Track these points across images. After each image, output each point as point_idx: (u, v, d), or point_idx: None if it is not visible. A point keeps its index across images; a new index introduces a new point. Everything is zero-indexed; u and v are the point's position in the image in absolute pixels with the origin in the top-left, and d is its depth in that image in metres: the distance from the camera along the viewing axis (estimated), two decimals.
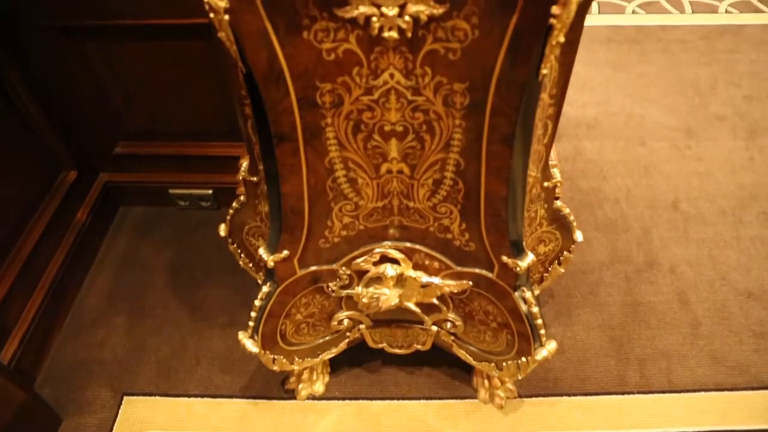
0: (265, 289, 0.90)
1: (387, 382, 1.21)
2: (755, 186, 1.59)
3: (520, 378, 0.98)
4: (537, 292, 1.12)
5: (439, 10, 0.54)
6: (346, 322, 1.00)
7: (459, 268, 0.85)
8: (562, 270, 1.11)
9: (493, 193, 0.72)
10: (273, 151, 0.69)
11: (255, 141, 0.77)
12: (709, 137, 1.74)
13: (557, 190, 0.95)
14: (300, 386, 1.17)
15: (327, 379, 1.21)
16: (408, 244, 0.84)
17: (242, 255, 1.10)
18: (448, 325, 0.98)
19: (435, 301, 0.91)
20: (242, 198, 0.99)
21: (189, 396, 1.20)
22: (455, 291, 0.88)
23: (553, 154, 0.89)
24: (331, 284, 0.91)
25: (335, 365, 1.22)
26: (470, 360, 1.04)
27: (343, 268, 0.87)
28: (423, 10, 0.54)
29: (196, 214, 1.56)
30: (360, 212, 0.79)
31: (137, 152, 1.46)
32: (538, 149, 0.80)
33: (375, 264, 0.86)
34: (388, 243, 0.84)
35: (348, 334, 1.05)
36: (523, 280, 0.85)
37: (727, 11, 2.28)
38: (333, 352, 1.07)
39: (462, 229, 0.79)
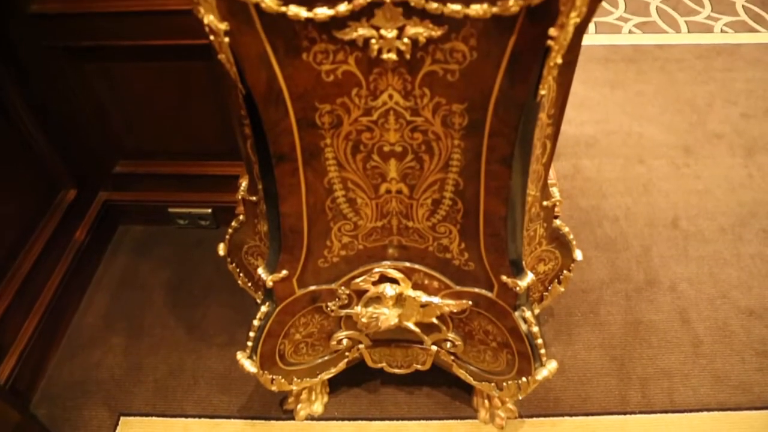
0: (263, 308, 0.89)
1: (386, 402, 1.20)
2: (754, 203, 1.59)
3: (520, 398, 0.98)
4: (537, 311, 1.11)
5: (437, 32, 0.54)
6: (345, 341, 0.99)
7: (458, 288, 0.85)
8: (562, 289, 1.10)
9: (492, 212, 0.72)
10: (272, 171, 0.69)
11: (254, 161, 0.77)
12: (708, 155, 1.75)
13: (556, 209, 0.95)
14: (299, 406, 1.16)
15: (326, 399, 1.20)
16: (407, 264, 0.84)
17: (241, 274, 1.10)
18: (448, 344, 0.98)
19: (434, 320, 0.91)
20: (241, 217, 0.99)
21: (186, 416, 1.19)
22: (455, 310, 0.88)
23: (552, 172, 0.89)
24: (330, 304, 0.90)
25: (334, 385, 1.21)
26: (470, 380, 1.03)
27: (342, 287, 0.87)
28: (421, 32, 0.54)
29: (195, 232, 1.55)
30: (359, 232, 0.79)
31: (137, 171, 1.46)
32: (536, 169, 0.80)
33: (374, 284, 0.86)
34: (388, 263, 0.84)
35: (347, 353, 1.04)
36: (522, 300, 0.85)
37: (722, 30, 2.30)
38: (332, 372, 1.06)
39: (461, 248, 0.79)
